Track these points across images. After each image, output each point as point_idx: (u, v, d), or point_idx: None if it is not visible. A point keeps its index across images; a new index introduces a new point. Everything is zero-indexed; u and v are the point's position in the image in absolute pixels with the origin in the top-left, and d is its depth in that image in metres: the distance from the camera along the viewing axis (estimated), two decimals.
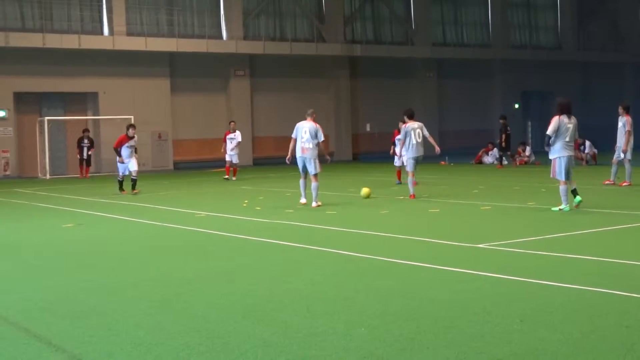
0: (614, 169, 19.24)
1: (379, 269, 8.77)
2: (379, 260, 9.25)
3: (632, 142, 18.90)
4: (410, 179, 17.18)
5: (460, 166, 30.33)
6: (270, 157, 35.62)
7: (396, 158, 21.18)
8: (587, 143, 28.53)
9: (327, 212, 14.79)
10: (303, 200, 16.29)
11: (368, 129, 40.59)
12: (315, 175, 15.90)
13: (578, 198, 13.85)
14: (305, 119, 16.21)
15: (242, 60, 36.14)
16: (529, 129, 46.66)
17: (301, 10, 38.39)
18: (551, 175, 14.02)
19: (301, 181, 16.42)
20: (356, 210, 15.32)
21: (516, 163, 30.44)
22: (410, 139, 17.00)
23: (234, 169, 25.64)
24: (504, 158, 30.56)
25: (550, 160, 13.98)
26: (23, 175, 30.42)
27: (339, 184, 22.06)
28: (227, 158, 25.55)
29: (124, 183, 20.94)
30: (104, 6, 33.17)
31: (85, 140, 30.55)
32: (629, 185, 18.74)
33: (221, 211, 15.57)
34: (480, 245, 10.11)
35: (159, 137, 34.29)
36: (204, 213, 15.28)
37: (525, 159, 30.87)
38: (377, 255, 9.53)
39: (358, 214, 14.67)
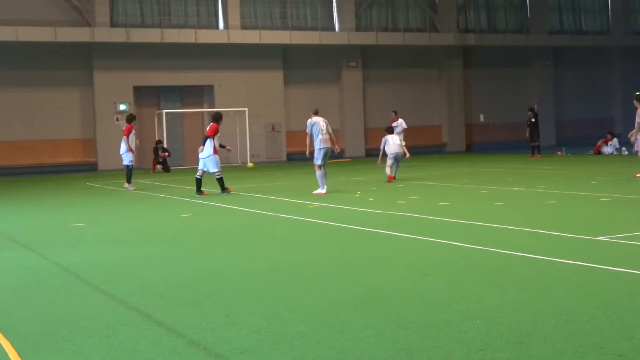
0: None
1: (493, 261, 8.63)
2: (494, 252, 9.11)
3: None
4: (388, 169, 19.82)
5: (578, 157, 29.46)
6: None
7: None
8: None
9: (440, 204, 14.67)
10: (323, 191, 17.31)
11: (482, 119, 39.95)
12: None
13: None
14: (313, 115, 17.56)
15: (354, 52, 36.19)
16: None
17: None
18: None
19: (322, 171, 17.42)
20: (469, 202, 15.13)
21: None
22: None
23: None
24: (535, 149, 29.77)
25: None
26: (143, 166, 31.38)
27: (451, 175, 21.83)
28: None
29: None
30: (219, 0, 33.87)
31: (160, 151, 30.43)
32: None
33: (334, 202, 15.66)
34: (599, 238, 9.80)
35: (273, 128, 34.77)
36: (317, 204, 15.41)
37: None
38: (491, 247, 9.39)
39: (471, 206, 14.47)
